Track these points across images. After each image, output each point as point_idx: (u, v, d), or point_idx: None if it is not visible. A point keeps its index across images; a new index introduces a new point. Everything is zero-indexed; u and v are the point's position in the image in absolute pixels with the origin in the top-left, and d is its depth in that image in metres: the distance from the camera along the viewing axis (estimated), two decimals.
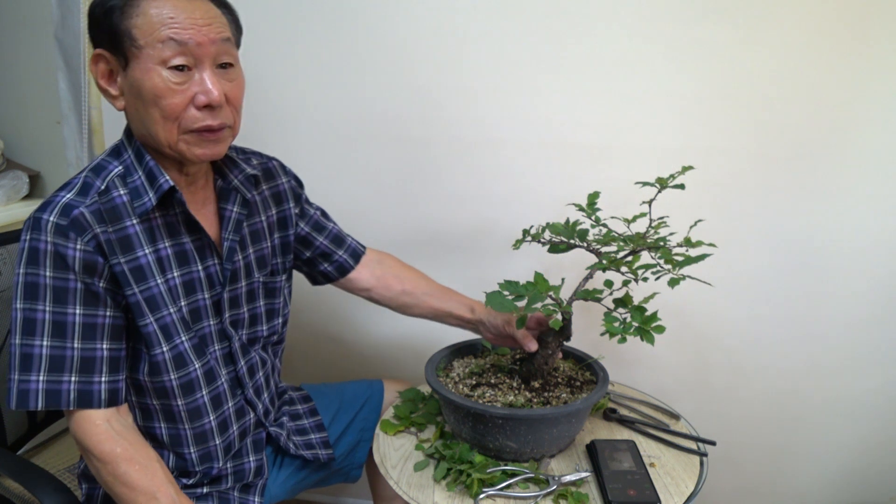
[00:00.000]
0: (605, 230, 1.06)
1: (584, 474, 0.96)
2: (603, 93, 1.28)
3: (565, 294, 1.02)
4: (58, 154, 1.58)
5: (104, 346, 0.86)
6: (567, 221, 1.08)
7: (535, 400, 1.02)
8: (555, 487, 0.94)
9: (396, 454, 1.04)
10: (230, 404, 1.01)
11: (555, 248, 1.08)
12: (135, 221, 0.88)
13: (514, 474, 0.96)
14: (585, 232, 1.06)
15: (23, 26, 1.57)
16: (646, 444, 1.07)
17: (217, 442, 0.99)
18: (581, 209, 1.09)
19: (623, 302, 0.98)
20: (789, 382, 1.40)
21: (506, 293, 0.97)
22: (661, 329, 0.93)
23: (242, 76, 0.92)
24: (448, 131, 1.34)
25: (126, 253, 0.87)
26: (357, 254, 1.20)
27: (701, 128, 1.27)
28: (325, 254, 1.16)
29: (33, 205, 1.60)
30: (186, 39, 0.82)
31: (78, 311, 0.84)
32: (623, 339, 0.92)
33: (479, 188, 1.37)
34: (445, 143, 1.35)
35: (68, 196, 0.85)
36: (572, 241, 1.06)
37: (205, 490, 1.01)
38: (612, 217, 1.10)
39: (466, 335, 1.23)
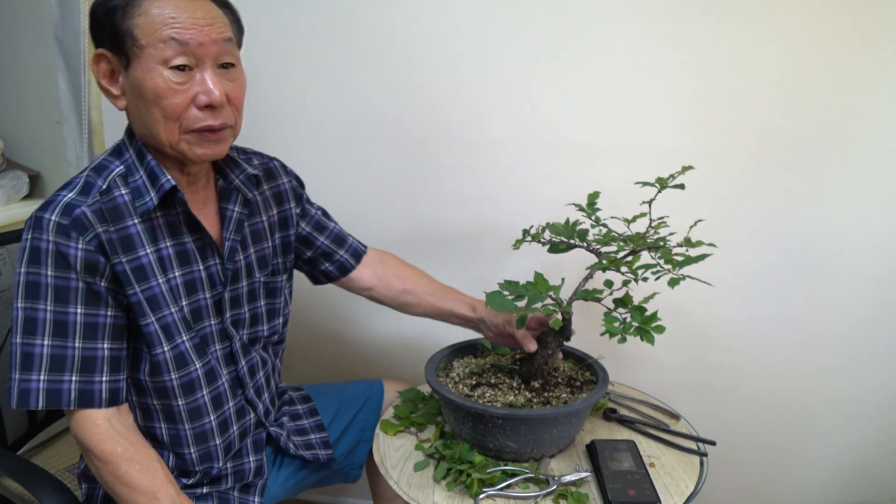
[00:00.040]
0: (605, 230, 1.06)
1: (584, 474, 0.96)
2: (603, 93, 1.28)
3: (565, 294, 1.02)
4: (58, 154, 1.58)
5: (105, 346, 0.86)
6: (567, 221, 1.08)
7: (535, 400, 1.02)
8: (555, 487, 0.94)
9: (396, 454, 1.04)
10: (231, 404, 1.01)
11: (555, 248, 1.08)
12: (136, 221, 0.88)
13: (514, 474, 0.96)
14: (585, 232, 1.06)
15: (23, 26, 1.57)
16: (646, 444, 1.07)
17: (217, 442, 0.99)
18: (581, 209, 1.09)
19: (623, 302, 0.98)
20: (789, 382, 1.40)
21: (506, 293, 0.97)
22: (661, 329, 0.93)
23: (244, 76, 0.92)
24: (448, 131, 1.34)
25: (127, 252, 0.87)
26: (358, 253, 1.20)
27: (701, 128, 1.27)
28: (326, 253, 1.16)
29: (33, 205, 1.60)
30: (188, 39, 0.83)
31: (79, 311, 0.84)
32: (623, 339, 0.92)
33: (479, 188, 1.37)
34: (445, 143, 1.35)
35: (70, 195, 0.85)
36: (572, 241, 1.06)
37: (205, 490, 1.01)
38: (612, 217, 1.10)
39: (466, 335, 1.23)
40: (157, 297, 0.89)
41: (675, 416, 1.16)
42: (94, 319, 0.85)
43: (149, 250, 0.89)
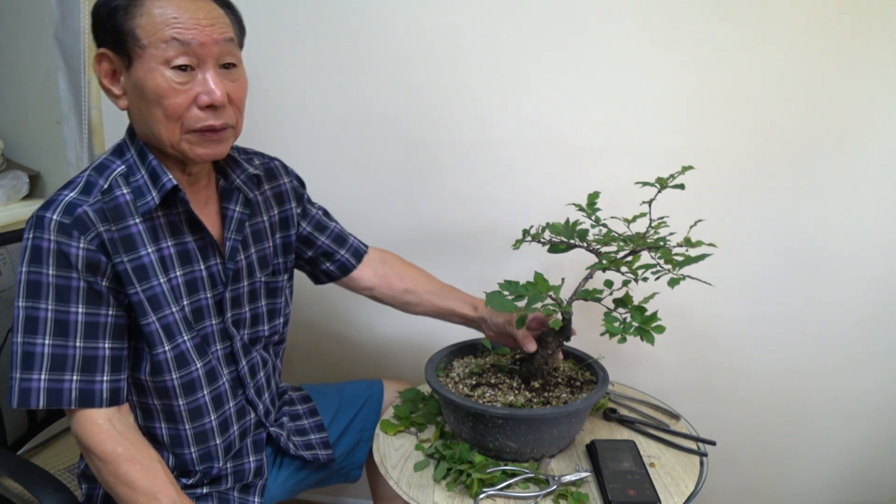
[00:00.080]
0: (605, 230, 1.06)
1: (584, 474, 0.96)
2: (603, 93, 1.28)
3: (565, 294, 1.02)
4: (58, 154, 1.58)
5: (106, 346, 0.86)
6: (567, 221, 1.08)
7: (535, 400, 1.02)
8: (555, 487, 0.94)
9: (396, 454, 1.04)
10: (231, 404, 1.01)
11: (555, 248, 1.08)
12: (137, 220, 0.88)
13: (514, 474, 0.96)
14: (585, 232, 1.06)
15: (23, 26, 1.57)
16: (646, 444, 1.07)
17: (217, 442, 0.99)
18: (581, 209, 1.09)
19: (623, 302, 0.98)
20: (789, 382, 1.40)
21: (506, 293, 0.97)
22: (661, 329, 0.93)
23: (245, 76, 0.92)
24: (448, 131, 1.34)
25: (129, 252, 0.87)
26: (359, 253, 1.20)
27: (701, 128, 1.27)
28: (327, 253, 1.16)
29: (33, 205, 1.60)
30: (189, 39, 0.83)
31: (80, 310, 0.84)
32: (623, 339, 0.92)
33: (479, 188, 1.37)
34: (445, 143, 1.35)
35: (71, 195, 0.85)
36: (572, 241, 1.06)
37: (205, 490, 1.01)
38: (612, 217, 1.10)
39: (467, 335, 1.23)
40: (159, 296, 0.89)
41: (675, 416, 1.16)
42: (95, 319, 0.85)
43: (150, 250, 0.89)
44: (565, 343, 1.09)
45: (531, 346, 1.07)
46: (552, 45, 1.27)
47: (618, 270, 0.99)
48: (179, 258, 0.93)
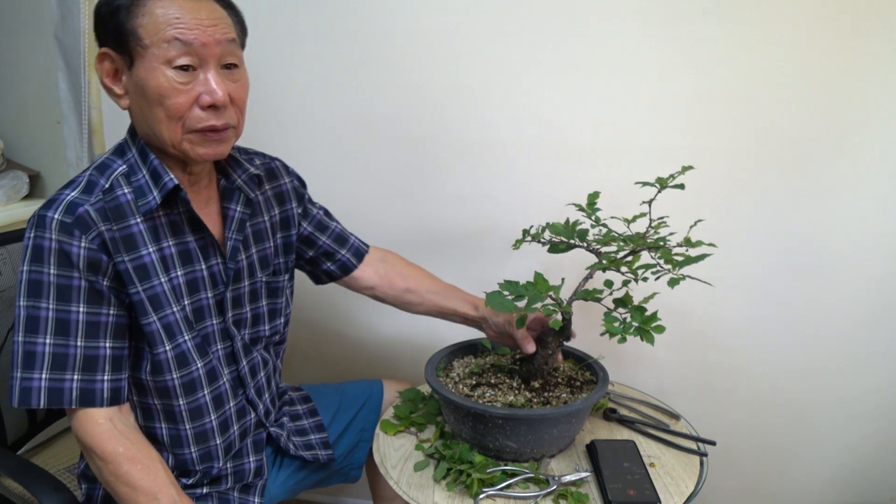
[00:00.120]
0: (605, 230, 1.06)
1: (584, 474, 0.96)
2: (603, 92, 1.28)
3: (565, 294, 1.02)
4: (58, 154, 1.58)
5: (107, 345, 0.86)
6: (567, 221, 1.08)
7: (535, 400, 1.02)
8: (555, 487, 0.94)
9: (396, 454, 1.04)
10: (231, 404, 1.01)
11: (555, 248, 1.08)
12: (139, 220, 0.88)
13: (514, 474, 0.96)
14: (585, 232, 1.06)
15: (23, 26, 1.57)
16: (646, 444, 1.07)
17: (218, 441, 0.99)
18: (581, 209, 1.09)
19: (623, 302, 0.98)
20: (789, 382, 1.40)
21: (506, 293, 0.97)
22: (661, 329, 0.93)
23: (247, 77, 0.92)
24: (448, 131, 1.34)
25: (130, 251, 0.87)
26: (360, 252, 1.20)
27: (701, 128, 1.27)
28: (327, 253, 1.16)
29: (33, 205, 1.60)
30: (192, 40, 0.83)
31: (81, 309, 0.84)
32: (623, 339, 0.92)
33: (479, 188, 1.37)
34: (445, 142, 1.35)
35: (73, 194, 0.85)
36: (572, 241, 1.06)
37: (205, 490, 1.01)
38: (612, 217, 1.10)
39: (467, 335, 1.23)
40: (159, 296, 0.89)
41: (675, 416, 1.16)
42: (96, 318, 0.85)
43: (151, 249, 0.89)
44: (565, 343, 1.09)
45: (530, 348, 1.07)
46: (552, 45, 1.27)
47: (618, 270, 0.99)
48: (180, 258, 0.93)
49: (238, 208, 1.00)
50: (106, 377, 0.86)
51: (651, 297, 0.97)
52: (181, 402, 0.94)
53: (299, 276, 1.21)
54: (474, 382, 1.08)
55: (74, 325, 0.84)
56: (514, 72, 1.29)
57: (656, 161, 1.23)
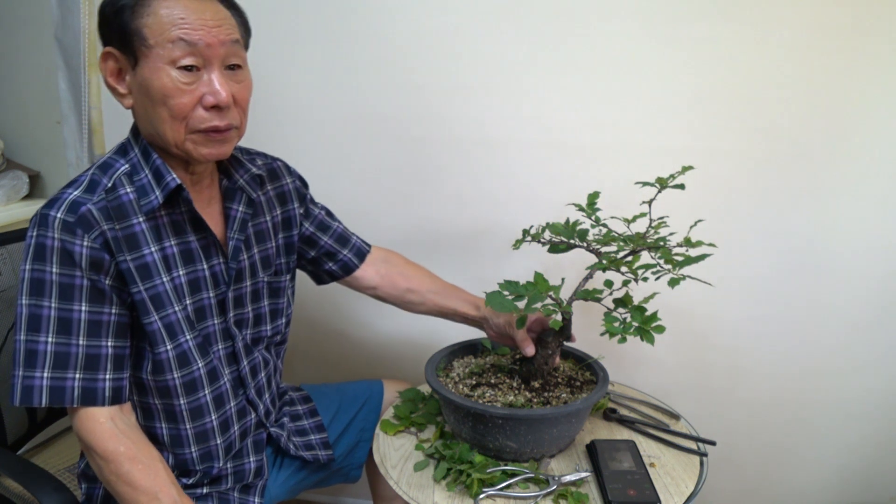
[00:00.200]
0: (605, 230, 1.06)
1: (584, 474, 0.96)
2: (603, 92, 1.28)
3: (565, 294, 1.02)
4: (58, 154, 1.58)
5: (109, 344, 0.86)
6: (567, 221, 1.08)
7: (535, 400, 1.03)
8: (555, 487, 0.94)
9: (396, 454, 1.04)
10: (232, 404, 1.01)
11: (555, 248, 1.08)
12: (141, 219, 0.88)
13: (514, 474, 0.96)
14: (585, 232, 1.06)
15: (23, 26, 1.57)
16: (646, 444, 1.07)
17: (218, 441, 0.99)
18: (581, 209, 1.09)
19: (623, 302, 0.98)
20: (789, 382, 1.40)
21: (506, 293, 0.97)
22: (661, 329, 0.93)
23: (250, 78, 0.93)
24: (448, 131, 1.34)
25: (132, 251, 0.87)
26: (362, 252, 1.20)
27: (701, 128, 1.27)
28: (329, 253, 1.16)
29: (33, 205, 1.60)
30: (196, 40, 0.83)
31: (84, 308, 0.84)
32: (623, 339, 0.92)
33: (479, 188, 1.37)
34: (445, 143, 1.35)
35: (76, 193, 0.85)
36: (572, 241, 1.06)
37: (205, 490, 1.01)
38: (612, 217, 1.10)
39: (467, 335, 1.23)
40: (161, 295, 0.89)
41: (675, 416, 1.16)
42: (98, 317, 0.85)
43: (153, 249, 0.89)
44: (565, 343, 1.09)
45: (529, 351, 1.07)
46: (552, 45, 1.27)
47: (618, 270, 0.99)
48: (182, 257, 0.93)
49: (240, 208, 1.00)
50: (107, 376, 0.86)
51: (651, 297, 0.97)
52: (182, 402, 0.94)
53: (299, 275, 1.21)
54: (474, 382, 1.08)
55: (76, 324, 0.84)
56: (514, 72, 1.29)
57: (656, 161, 1.23)
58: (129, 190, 0.88)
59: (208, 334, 0.97)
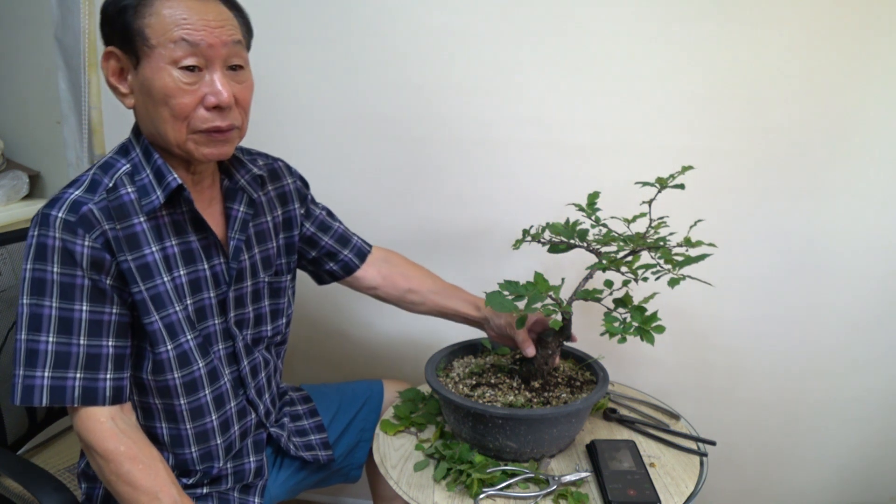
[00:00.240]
0: (605, 230, 1.06)
1: (584, 474, 0.96)
2: (603, 92, 1.28)
3: (565, 294, 1.02)
4: (58, 154, 1.58)
5: (110, 343, 0.86)
6: (567, 221, 1.08)
7: (535, 400, 1.03)
8: (555, 487, 0.94)
9: (396, 454, 1.04)
10: (232, 404, 1.01)
11: (555, 248, 1.08)
12: (142, 219, 0.88)
13: (514, 474, 0.96)
14: (585, 232, 1.06)
15: (23, 26, 1.57)
16: (646, 444, 1.07)
17: (218, 441, 0.99)
18: (581, 209, 1.09)
19: (623, 302, 0.98)
20: (789, 383, 1.40)
21: (506, 293, 0.97)
22: (661, 329, 0.93)
23: (252, 78, 0.93)
24: (448, 131, 1.34)
25: (133, 250, 0.87)
26: (363, 253, 1.20)
27: (701, 127, 1.27)
28: (330, 253, 1.17)
29: (33, 205, 1.60)
30: (198, 41, 0.83)
31: (85, 308, 0.84)
32: (623, 339, 0.92)
33: (479, 188, 1.37)
34: (445, 143, 1.35)
35: (77, 193, 0.85)
36: (572, 241, 1.06)
37: (205, 490, 1.01)
38: (612, 217, 1.10)
39: (468, 335, 1.23)
40: (162, 295, 0.90)
41: (675, 416, 1.16)
42: (99, 317, 0.85)
43: (154, 248, 0.89)
44: (565, 343, 1.09)
45: (530, 351, 1.07)
46: (552, 46, 1.27)
47: (618, 270, 0.99)
48: (183, 257, 0.93)
49: (241, 208, 1.00)
50: (108, 376, 0.86)
51: (651, 297, 0.97)
52: (182, 402, 0.94)
53: (299, 275, 1.21)
54: (474, 382, 1.08)
55: (77, 324, 0.84)
56: (514, 72, 1.29)
57: (656, 161, 1.23)
58: (130, 190, 0.88)
59: (209, 334, 0.97)
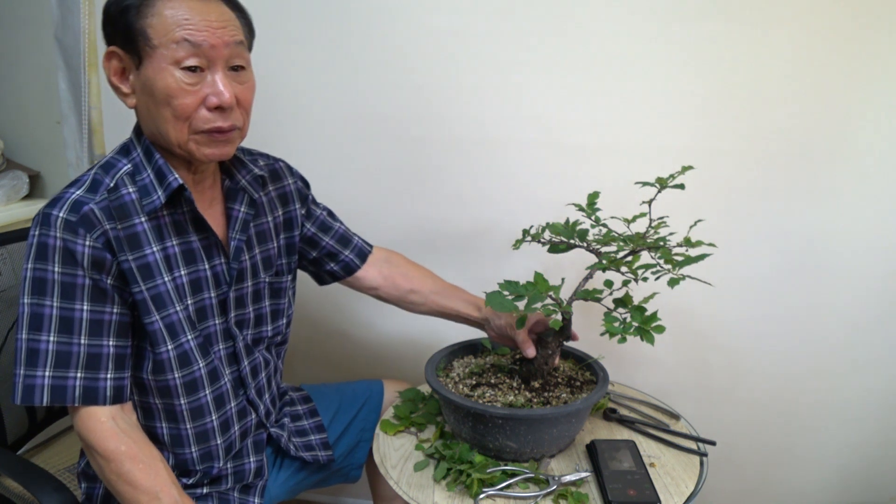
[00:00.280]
0: (605, 230, 1.06)
1: (584, 474, 0.96)
2: (603, 92, 1.28)
3: (565, 294, 1.02)
4: (58, 154, 1.58)
5: (110, 343, 0.86)
6: (567, 221, 1.08)
7: (535, 400, 1.03)
8: (555, 487, 0.94)
9: (396, 454, 1.04)
10: (232, 404, 1.01)
11: (555, 248, 1.08)
12: (143, 219, 0.88)
13: (514, 474, 0.96)
14: (585, 232, 1.06)
15: (23, 26, 1.57)
16: (646, 444, 1.07)
17: (218, 441, 0.99)
18: (581, 209, 1.09)
19: (623, 302, 0.98)
20: (789, 383, 1.40)
21: (506, 293, 0.97)
22: (661, 329, 0.93)
23: (253, 79, 0.93)
24: (448, 131, 1.34)
25: (134, 250, 0.87)
26: (363, 253, 1.20)
27: (701, 128, 1.27)
28: (331, 254, 1.17)
29: (33, 205, 1.60)
30: (200, 41, 0.83)
31: (85, 308, 0.84)
32: (623, 339, 0.92)
33: (479, 188, 1.37)
34: (445, 143, 1.35)
35: (78, 192, 0.85)
36: (572, 241, 1.06)
37: (205, 490, 1.01)
38: (612, 217, 1.10)
39: (468, 335, 1.23)
40: (163, 295, 0.90)
41: (675, 416, 1.16)
42: (99, 316, 0.85)
43: (155, 248, 0.89)
44: (565, 343, 1.09)
45: (530, 352, 1.07)
46: (552, 45, 1.27)
47: (618, 270, 0.99)
48: (184, 257, 0.93)
49: (242, 209, 1.00)
50: (109, 375, 0.86)
51: (651, 297, 0.97)
52: (182, 402, 0.94)
53: (299, 275, 1.21)
54: (474, 382, 1.08)
55: (78, 323, 0.84)
56: (514, 72, 1.29)
57: (656, 161, 1.23)
58: (131, 190, 0.88)
59: (209, 334, 0.97)
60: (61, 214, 0.83)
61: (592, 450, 1.02)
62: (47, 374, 0.83)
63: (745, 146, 1.27)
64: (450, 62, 1.30)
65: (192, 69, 0.84)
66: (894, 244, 1.29)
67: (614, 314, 0.97)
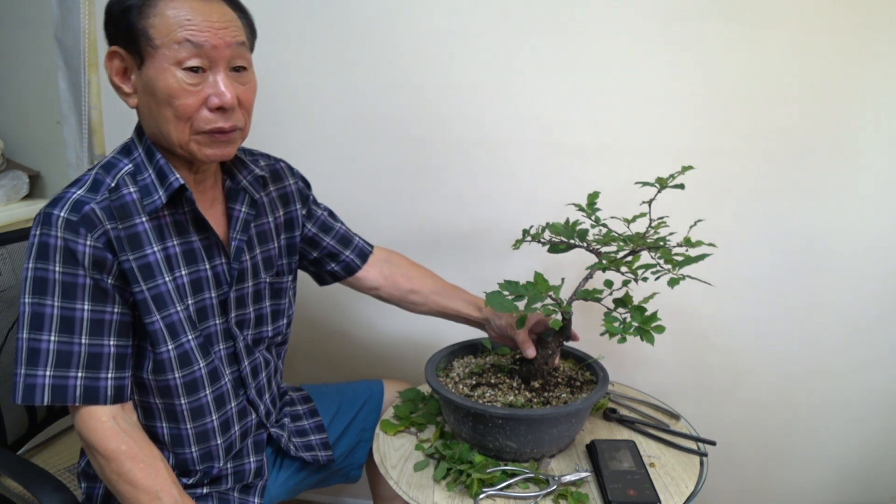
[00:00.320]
0: (604, 230, 1.06)
1: (584, 474, 0.96)
2: (603, 92, 1.28)
3: (565, 294, 1.02)
4: (58, 154, 1.58)
5: (111, 343, 0.87)
6: (567, 221, 1.08)
7: (535, 400, 1.03)
8: (555, 487, 0.94)
9: (396, 454, 1.05)
10: (233, 404, 1.01)
11: (555, 248, 1.08)
12: (144, 219, 0.88)
13: (514, 474, 0.96)
14: (585, 232, 1.06)
15: (23, 26, 1.57)
16: (646, 444, 1.07)
17: (218, 441, 0.99)
18: (581, 209, 1.09)
19: (623, 302, 0.98)
20: (789, 383, 1.41)
21: (506, 293, 0.97)
22: (660, 329, 0.93)
23: (255, 80, 0.93)
24: (448, 131, 1.34)
25: (135, 250, 0.87)
26: (364, 253, 1.20)
27: (701, 128, 1.27)
28: (332, 254, 1.17)
29: (33, 205, 1.60)
30: (202, 42, 0.83)
31: (86, 307, 0.84)
32: (623, 339, 0.92)
33: (479, 188, 1.37)
34: (445, 143, 1.35)
35: (79, 192, 0.86)
36: (572, 241, 1.06)
37: (205, 490, 1.01)
38: (612, 217, 1.10)
39: (468, 335, 1.23)
40: (163, 295, 0.90)
41: (675, 416, 1.16)
42: (100, 316, 0.85)
43: (156, 248, 0.89)
44: (565, 343, 1.09)
45: (531, 353, 1.07)
46: (552, 45, 1.27)
47: (618, 270, 0.99)
48: (185, 257, 0.93)
49: (243, 209, 1.00)
50: (110, 375, 0.86)
51: (651, 297, 0.97)
52: (182, 402, 0.94)
53: (300, 275, 1.21)
54: (474, 382, 1.08)
55: (79, 323, 0.84)
56: (514, 72, 1.29)
57: (656, 161, 1.23)
58: (132, 190, 0.88)
59: (210, 334, 0.97)
60: (62, 214, 0.83)
61: (592, 450, 1.02)
62: (48, 373, 0.83)
63: (745, 146, 1.27)
64: (450, 62, 1.30)
65: (193, 70, 0.84)
66: (894, 244, 1.29)
67: (614, 314, 0.97)
